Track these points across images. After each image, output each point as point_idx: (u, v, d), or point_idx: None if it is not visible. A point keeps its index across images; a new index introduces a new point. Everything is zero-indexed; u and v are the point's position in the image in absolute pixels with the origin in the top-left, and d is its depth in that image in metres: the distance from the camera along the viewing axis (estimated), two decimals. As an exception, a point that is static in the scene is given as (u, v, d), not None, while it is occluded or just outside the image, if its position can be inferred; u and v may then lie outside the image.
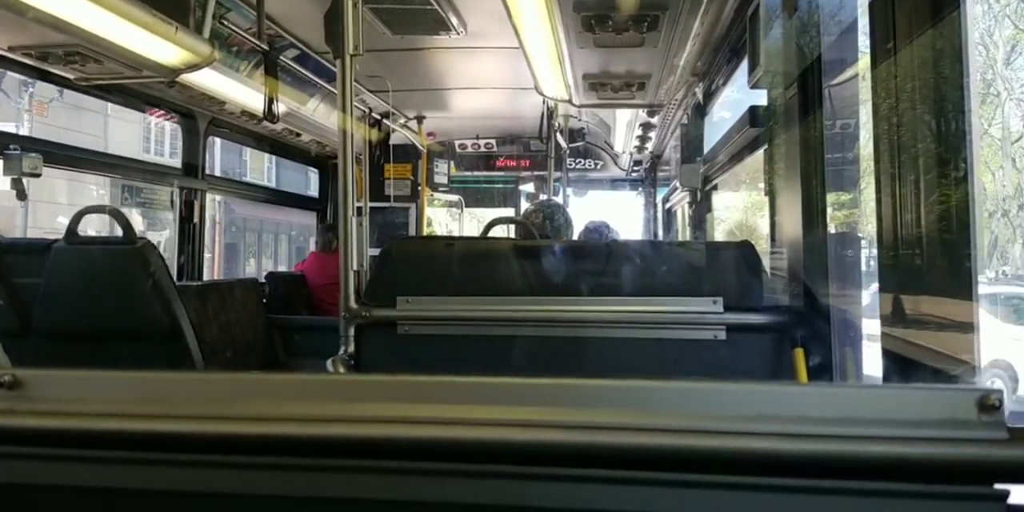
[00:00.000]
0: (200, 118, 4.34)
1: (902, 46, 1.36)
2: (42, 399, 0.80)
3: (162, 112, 4.32)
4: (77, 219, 3.11)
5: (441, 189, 6.75)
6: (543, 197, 6.68)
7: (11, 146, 3.06)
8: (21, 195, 3.09)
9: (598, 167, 7.48)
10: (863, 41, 1.61)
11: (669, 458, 0.71)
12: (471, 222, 8.53)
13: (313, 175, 6.62)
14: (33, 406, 0.79)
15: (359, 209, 2.38)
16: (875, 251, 1.50)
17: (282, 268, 20.86)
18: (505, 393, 0.78)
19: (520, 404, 0.76)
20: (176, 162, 4.53)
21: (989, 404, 0.69)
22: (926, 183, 1.30)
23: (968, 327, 1.22)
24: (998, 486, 0.68)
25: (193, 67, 3.05)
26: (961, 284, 1.23)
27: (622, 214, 8.63)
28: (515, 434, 0.74)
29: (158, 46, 2.82)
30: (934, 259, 1.30)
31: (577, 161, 7.32)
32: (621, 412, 0.74)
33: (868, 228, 1.66)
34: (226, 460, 0.75)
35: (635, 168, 7.57)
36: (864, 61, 1.62)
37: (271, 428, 0.76)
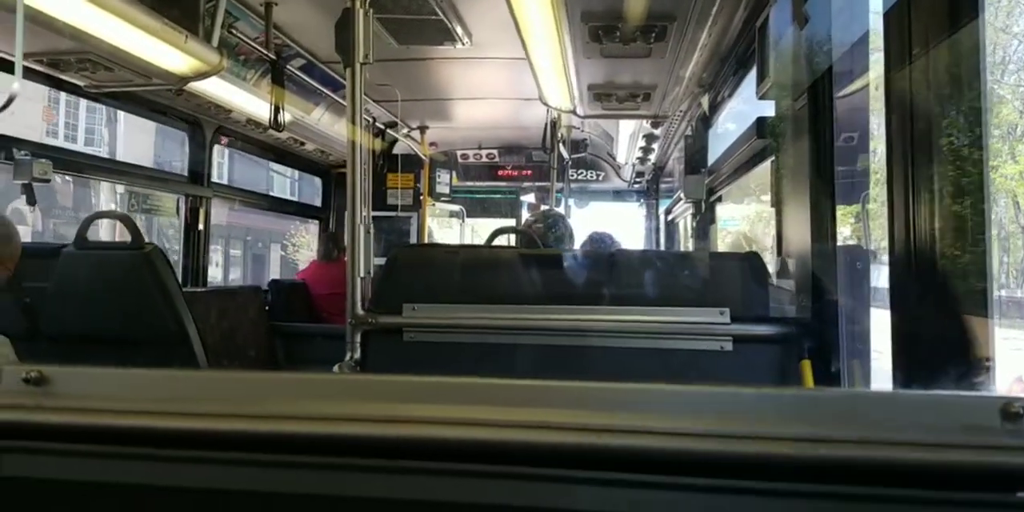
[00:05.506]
0: (206, 126, 4.35)
1: (919, 56, 1.36)
2: (66, 396, 0.81)
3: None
4: (87, 224, 3.11)
5: (443, 199, 6.75)
6: (544, 207, 6.67)
7: (22, 151, 3.07)
8: (31, 200, 3.11)
9: (600, 178, 7.47)
10: (875, 52, 1.62)
11: (681, 461, 0.71)
12: (468, 230, 8.46)
13: (278, 176, 6.59)
14: (58, 402, 0.80)
15: (364, 217, 2.39)
16: (884, 262, 1.50)
17: (235, 278, 19.90)
18: (510, 394, 0.78)
19: (524, 405, 0.76)
20: (94, 149, 4.52)
21: (1012, 412, 0.69)
22: (941, 194, 1.31)
23: (984, 338, 1.22)
24: (1022, 494, 0.68)
25: (202, 75, 3.08)
26: (977, 297, 1.23)
27: (623, 225, 8.62)
28: (521, 435, 0.74)
29: (168, 54, 2.84)
30: (949, 270, 1.31)
31: (579, 172, 7.32)
32: (625, 414, 0.74)
33: (880, 240, 1.66)
34: (241, 457, 0.76)
35: (637, 179, 7.57)
36: (876, 71, 1.62)
37: (285, 426, 0.77)
